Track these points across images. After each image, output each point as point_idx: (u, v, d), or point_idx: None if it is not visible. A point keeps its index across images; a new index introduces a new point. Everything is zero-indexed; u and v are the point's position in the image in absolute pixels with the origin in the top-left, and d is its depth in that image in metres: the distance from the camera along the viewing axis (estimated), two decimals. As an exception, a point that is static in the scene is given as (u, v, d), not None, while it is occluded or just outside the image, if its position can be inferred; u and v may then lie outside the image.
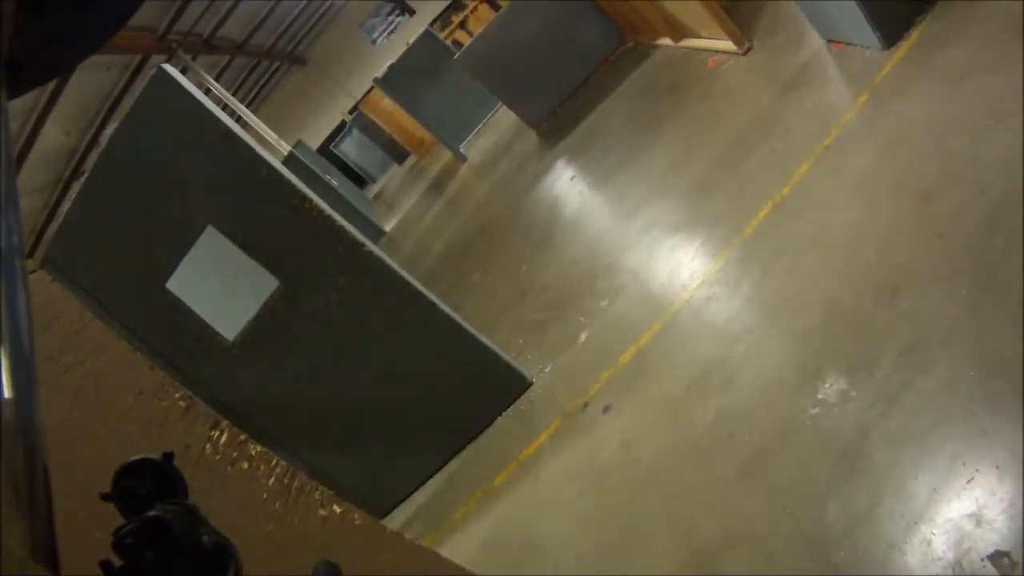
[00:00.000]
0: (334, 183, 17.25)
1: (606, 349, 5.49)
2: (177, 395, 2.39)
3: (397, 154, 28.23)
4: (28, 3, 0.52)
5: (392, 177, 28.56)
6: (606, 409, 4.94)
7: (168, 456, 0.65)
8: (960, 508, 2.64)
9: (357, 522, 2.41)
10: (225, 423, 2.43)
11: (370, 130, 27.54)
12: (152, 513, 0.58)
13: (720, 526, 3.46)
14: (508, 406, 5.92)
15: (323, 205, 5.55)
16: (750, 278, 4.89)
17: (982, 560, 2.42)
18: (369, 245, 5.59)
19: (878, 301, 3.84)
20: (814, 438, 3.44)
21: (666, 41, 10.55)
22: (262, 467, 2.38)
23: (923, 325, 3.42)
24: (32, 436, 0.41)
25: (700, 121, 7.73)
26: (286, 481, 2.40)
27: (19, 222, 0.48)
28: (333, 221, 5.53)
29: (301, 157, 17.29)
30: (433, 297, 5.86)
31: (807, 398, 3.62)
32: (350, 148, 28.89)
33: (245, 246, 5.52)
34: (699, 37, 9.19)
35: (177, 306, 5.61)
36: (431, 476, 5.90)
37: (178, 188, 5.54)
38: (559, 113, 13.10)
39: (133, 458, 0.64)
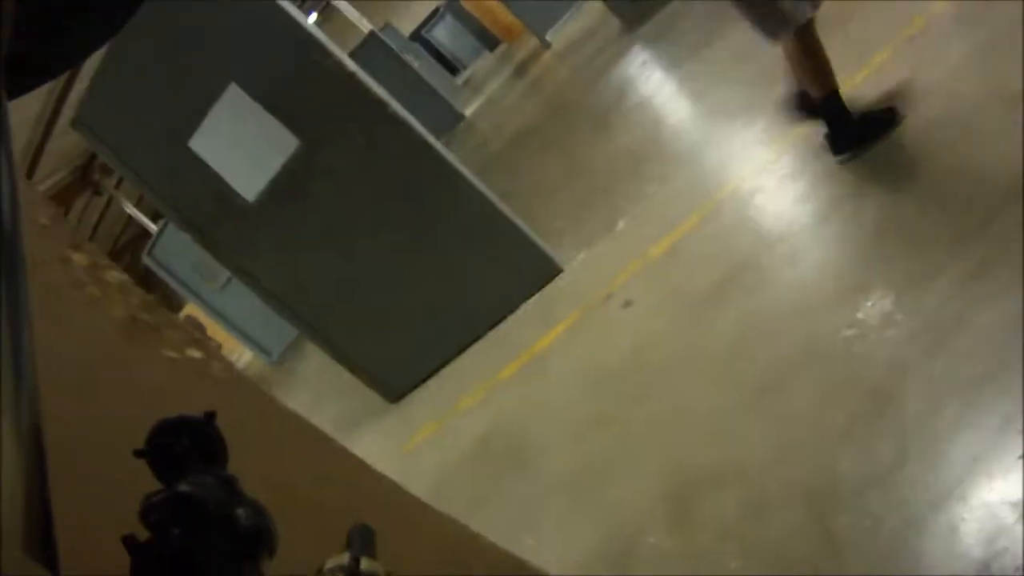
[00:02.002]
0: (414, 64, 16.26)
1: (641, 238, 4.68)
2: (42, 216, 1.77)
3: (488, 41, 26.84)
4: (28, 2, 0.43)
5: (483, 63, 27.29)
6: (626, 304, 4.18)
7: (209, 416, 0.54)
8: (1004, 491, 1.83)
9: (220, 375, 1.80)
10: (90, 247, 1.83)
11: (463, 16, 26.16)
12: (183, 488, 0.48)
13: (714, 458, 2.73)
14: (535, 292, 5.20)
15: (348, 63, 4.80)
16: (807, 174, 3.97)
17: (1018, 570, 1.63)
18: (395, 106, 4.84)
19: (947, 212, 2.92)
20: (843, 366, 2.63)
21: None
22: (117, 297, 1.76)
23: (998, 246, 2.52)
24: (31, 433, 0.35)
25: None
26: (141, 316, 1.78)
27: (22, 223, 0.40)
28: (358, 80, 4.79)
29: (383, 38, 16.27)
30: (463, 169, 5.11)
31: (844, 315, 2.79)
32: (442, 34, 27.56)
33: (267, 104, 4.85)
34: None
35: (199, 166, 5.02)
36: (449, 361, 5.29)
37: (204, 45, 4.86)
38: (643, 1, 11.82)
39: (171, 416, 0.53)
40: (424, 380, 5.34)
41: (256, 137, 4.94)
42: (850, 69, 4.19)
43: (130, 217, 13.36)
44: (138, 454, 0.52)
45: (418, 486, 4.39)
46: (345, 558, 0.56)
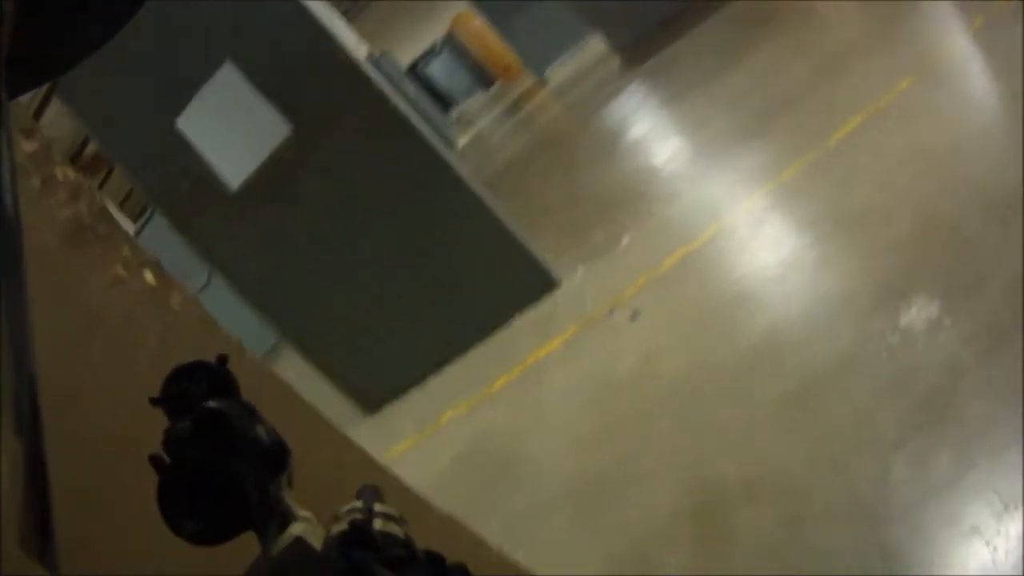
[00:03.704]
0: (408, 91, 16.08)
1: (649, 253, 4.45)
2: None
3: (484, 79, 26.85)
4: (29, 2, 0.42)
5: (476, 101, 27.31)
6: (634, 316, 3.92)
7: (222, 359, 0.54)
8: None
9: (179, 307, 1.54)
10: (45, 138, 1.56)
11: (460, 52, 26.16)
12: (209, 404, 0.48)
13: (742, 471, 2.45)
14: (530, 305, 4.92)
15: (348, 49, 4.57)
16: (829, 187, 3.78)
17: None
18: (395, 101, 4.60)
19: (987, 218, 2.71)
20: (888, 372, 2.37)
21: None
22: (63, 197, 1.50)
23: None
24: (31, 430, 0.33)
25: (790, 48, 6.46)
26: (90, 224, 1.52)
27: (21, 222, 0.39)
28: (357, 68, 4.55)
29: (376, 67, 16.04)
30: (462, 174, 4.87)
31: (885, 323, 2.55)
32: (437, 70, 27.52)
33: (260, 86, 4.59)
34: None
35: (183, 146, 4.73)
36: (434, 372, 4.97)
37: (202, 19, 4.61)
38: (645, 39, 11.79)
39: (186, 362, 0.53)
40: (404, 391, 5.01)
41: (247, 121, 4.67)
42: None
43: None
44: (154, 402, 0.51)
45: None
46: (359, 503, 0.53)
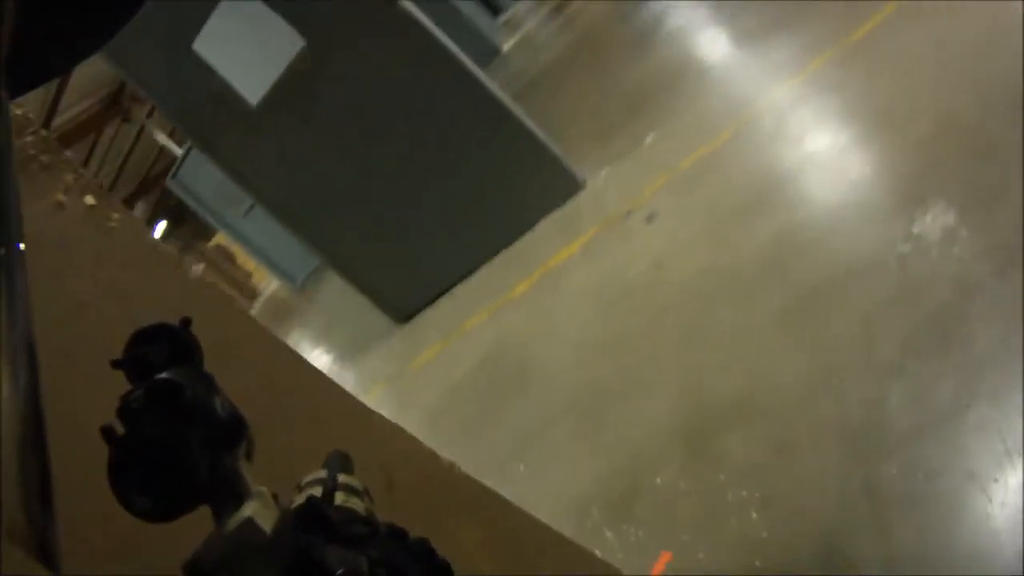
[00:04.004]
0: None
1: (669, 152, 4.12)
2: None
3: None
4: (30, 2, 0.42)
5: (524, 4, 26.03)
6: (650, 218, 3.66)
7: (185, 322, 0.51)
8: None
9: (113, 224, 1.44)
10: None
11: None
12: (163, 375, 0.45)
13: (736, 389, 2.25)
14: (555, 209, 4.68)
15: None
16: (853, 83, 3.36)
17: None
18: (407, 6, 4.27)
19: (1012, 119, 2.33)
20: (897, 284, 2.11)
21: None
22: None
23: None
24: (34, 429, 0.33)
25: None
26: (34, 155, 1.42)
27: (21, 223, 0.39)
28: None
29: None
30: (484, 78, 4.56)
31: (898, 229, 2.26)
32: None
33: (272, 1, 4.31)
34: None
35: (202, 68, 4.52)
36: (462, 280, 4.81)
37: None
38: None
39: (148, 324, 0.50)
40: (433, 300, 4.88)
41: (261, 37, 4.42)
42: None
43: (162, 148, 12.78)
44: (115, 364, 0.48)
45: (421, 407, 4.01)
46: (322, 473, 0.51)
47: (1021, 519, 1.37)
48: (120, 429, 0.42)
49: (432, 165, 4.65)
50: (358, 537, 0.43)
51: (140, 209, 13.41)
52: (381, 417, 1.72)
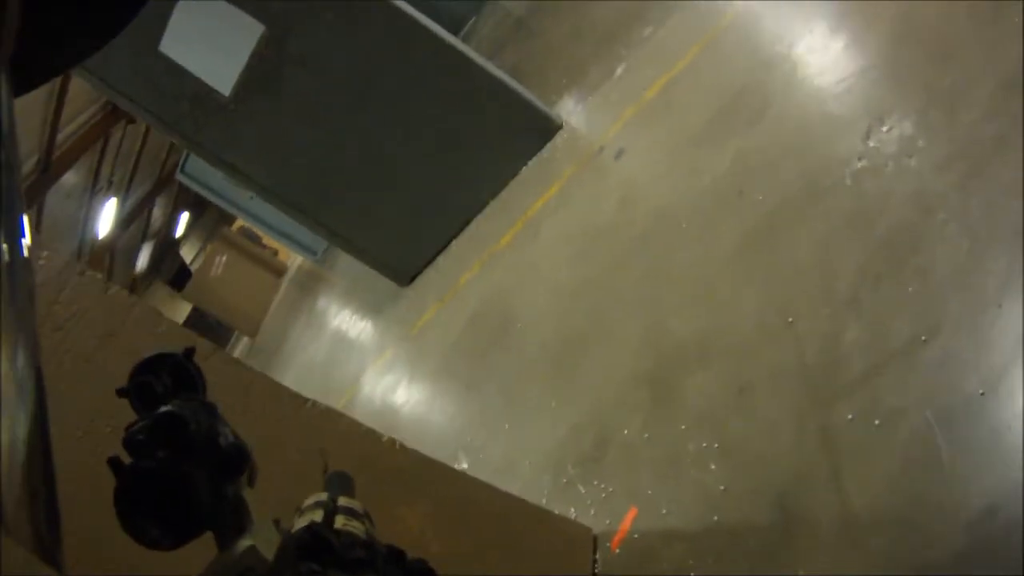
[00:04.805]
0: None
1: (636, 83, 3.78)
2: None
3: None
4: (31, 3, 0.39)
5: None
6: (618, 155, 3.38)
7: (188, 352, 0.50)
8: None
9: (42, 262, 1.40)
10: None
11: None
12: (167, 408, 0.44)
13: (696, 330, 2.02)
14: (536, 153, 4.39)
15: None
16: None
17: None
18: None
19: (976, 13, 1.98)
20: (850, 206, 1.83)
21: None
22: None
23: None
24: (36, 429, 0.32)
25: None
26: None
27: (23, 218, 0.36)
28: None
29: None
30: (447, 36, 4.23)
31: (854, 143, 1.97)
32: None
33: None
34: None
35: (172, 69, 4.25)
36: (456, 234, 4.57)
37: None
38: None
39: (152, 352, 0.49)
40: (431, 260, 4.65)
41: (222, 30, 4.12)
42: None
43: (173, 143, 12.34)
44: (120, 392, 0.47)
45: (425, 368, 3.85)
46: (324, 495, 0.48)
47: (982, 468, 1.14)
48: (126, 459, 0.41)
49: (408, 127, 4.36)
50: (358, 562, 0.40)
51: (160, 204, 13.18)
52: (314, 402, 1.55)
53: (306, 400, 1.55)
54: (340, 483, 0.52)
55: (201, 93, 4.25)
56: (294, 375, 7.27)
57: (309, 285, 9.74)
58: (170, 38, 4.18)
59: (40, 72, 0.46)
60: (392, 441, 1.57)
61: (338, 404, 5.10)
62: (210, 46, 4.16)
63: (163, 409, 0.43)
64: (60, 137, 7.07)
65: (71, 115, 7.15)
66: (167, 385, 0.47)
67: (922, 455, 1.24)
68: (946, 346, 1.33)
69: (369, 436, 1.57)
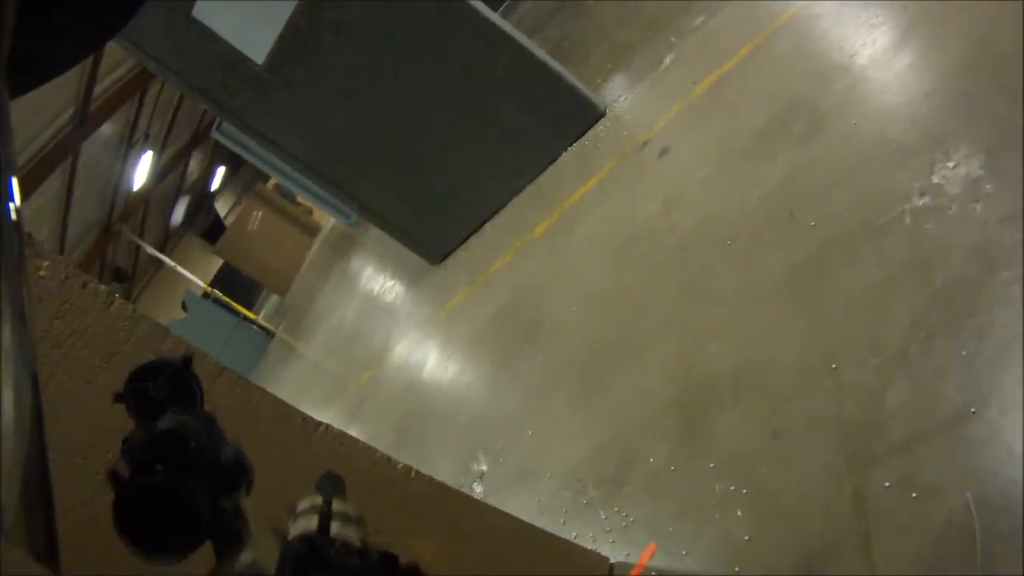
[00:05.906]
0: None
1: (685, 76, 3.67)
2: None
3: None
4: (30, 3, 0.40)
5: None
6: (663, 152, 3.29)
7: (187, 360, 0.50)
8: None
9: (43, 273, 1.44)
10: None
11: None
12: (166, 425, 0.44)
13: (733, 356, 1.97)
14: (577, 139, 4.30)
15: None
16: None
17: None
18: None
19: None
20: (908, 249, 1.75)
21: None
22: None
23: None
24: (34, 430, 0.32)
25: None
26: None
27: (20, 217, 0.35)
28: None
29: None
30: (487, 10, 4.12)
31: (916, 177, 1.88)
32: None
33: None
34: None
35: (206, 36, 4.21)
36: (490, 217, 4.52)
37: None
38: None
39: (150, 359, 0.49)
40: (463, 241, 4.61)
41: (256, -4, 4.07)
42: None
43: None
44: (117, 398, 0.47)
45: (450, 357, 3.83)
46: (318, 499, 0.48)
47: (1017, 567, 1.08)
48: (125, 471, 0.41)
49: (444, 103, 4.29)
50: (353, 571, 0.41)
51: (196, 159, 13.28)
52: (327, 426, 1.53)
53: (319, 424, 1.54)
54: (331, 484, 0.52)
55: (234, 60, 4.21)
56: (321, 341, 7.33)
57: (342, 247, 9.76)
58: (204, 3, 4.13)
59: (38, 73, 0.45)
60: (408, 468, 1.56)
61: (362, 379, 5.15)
62: (245, 13, 4.11)
63: (162, 427, 0.43)
64: (97, 90, 7.09)
65: (109, 67, 7.16)
66: (163, 391, 0.47)
67: (958, 540, 1.18)
68: (995, 423, 1.27)
69: (383, 463, 1.55)
